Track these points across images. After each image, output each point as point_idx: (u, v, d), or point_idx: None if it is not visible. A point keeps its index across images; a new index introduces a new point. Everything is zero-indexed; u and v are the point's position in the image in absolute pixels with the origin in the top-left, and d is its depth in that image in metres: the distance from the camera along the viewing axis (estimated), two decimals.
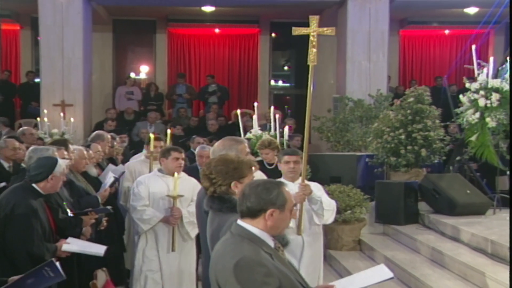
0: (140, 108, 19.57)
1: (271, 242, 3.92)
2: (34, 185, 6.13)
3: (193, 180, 8.11)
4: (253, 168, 5.05)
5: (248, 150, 6.16)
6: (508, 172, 11.34)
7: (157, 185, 8.05)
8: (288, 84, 22.20)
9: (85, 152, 8.50)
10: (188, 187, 8.06)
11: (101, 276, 5.65)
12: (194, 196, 7.44)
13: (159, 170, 8.19)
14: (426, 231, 10.55)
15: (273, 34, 21.29)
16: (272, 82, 21.77)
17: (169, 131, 9.56)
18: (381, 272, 4.46)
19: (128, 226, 9.57)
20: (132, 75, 20.96)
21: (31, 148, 7.54)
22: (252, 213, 3.83)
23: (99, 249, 6.41)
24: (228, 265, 3.68)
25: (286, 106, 21.63)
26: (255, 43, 20.95)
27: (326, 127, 16.29)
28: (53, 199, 6.35)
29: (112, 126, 16.30)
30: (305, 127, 7.17)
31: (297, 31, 7.33)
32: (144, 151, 10.14)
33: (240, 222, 3.88)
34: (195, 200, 6.71)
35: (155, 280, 8.07)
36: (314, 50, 7.08)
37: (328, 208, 7.01)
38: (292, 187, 6.45)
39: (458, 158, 12.46)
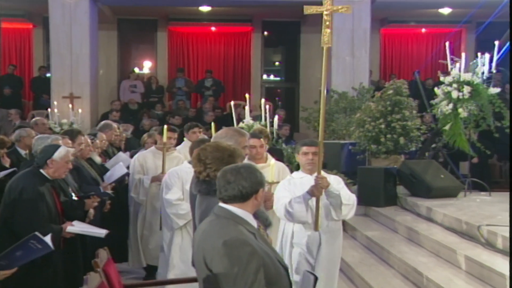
0: (143, 100, 19.58)
1: (254, 223, 3.90)
2: (41, 170, 6.06)
3: None
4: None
5: (246, 144, 6.04)
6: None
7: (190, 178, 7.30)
8: (278, 78, 22.13)
9: (89, 141, 8.42)
10: None
11: (103, 254, 5.54)
12: None
13: (190, 162, 6.96)
14: (404, 212, 10.51)
15: (265, 33, 21.23)
16: (264, 76, 21.70)
17: (165, 126, 8.73)
18: (308, 279, 4.30)
19: (132, 220, 9.28)
20: (136, 70, 21.06)
21: (36, 137, 7.52)
22: (245, 197, 3.80)
23: (100, 232, 6.34)
24: (216, 245, 3.65)
25: (276, 98, 21.56)
26: (248, 40, 20.92)
27: (313, 117, 16.25)
28: (57, 184, 6.28)
29: (117, 116, 16.26)
30: (320, 118, 6.29)
31: (309, 9, 6.39)
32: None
33: (223, 205, 3.81)
34: None
35: None
36: (328, 30, 6.14)
37: (348, 202, 6.18)
38: (310, 180, 6.13)
39: (433, 145, 12.42)
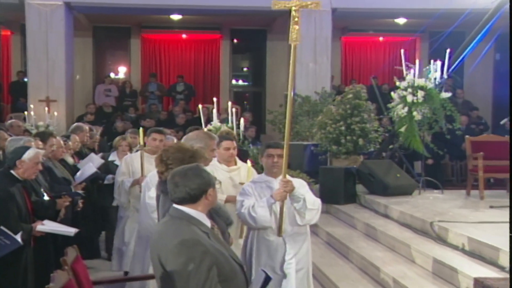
0: (117, 104, 19.38)
1: (207, 222, 3.83)
2: (12, 171, 5.91)
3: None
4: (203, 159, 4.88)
5: (215, 147, 5.93)
6: None
7: None
8: (246, 83, 22.06)
9: (61, 142, 8.27)
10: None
11: (72, 252, 5.40)
12: None
13: None
14: (362, 209, 10.51)
15: (235, 40, 21.19)
16: (234, 81, 21.63)
17: (141, 129, 8.06)
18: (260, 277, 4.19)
19: (118, 223, 8.66)
20: (112, 75, 20.79)
21: (9, 139, 7.37)
22: (194, 198, 3.73)
23: (69, 231, 6.20)
24: (170, 245, 3.59)
25: (245, 102, 21.52)
26: (217, 47, 20.82)
27: (278, 120, 16.22)
28: (28, 184, 6.13)
29: (91, 119, 16.37)
30: (286, 121, 5.70)
31: (277, 5, 5.70)
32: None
33: (176, 206, 3.74)
34: None
35: None
36: (297, 27, 5.57)
37: (312, 207, 5.59)
38: (275, 183, 5.60)
39: (390, 146, 12.45)
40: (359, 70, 20.87)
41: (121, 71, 21.24)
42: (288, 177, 5.60)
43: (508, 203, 9.07)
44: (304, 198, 5.52)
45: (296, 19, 5.56)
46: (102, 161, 9.35)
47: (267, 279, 3.86)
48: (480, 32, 12.70)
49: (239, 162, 6.91)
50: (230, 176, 6.70)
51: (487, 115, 18.78)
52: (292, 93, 5.85)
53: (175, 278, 3.54)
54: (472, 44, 13.01)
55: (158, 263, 3.65)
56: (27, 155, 5.92)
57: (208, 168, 5.95)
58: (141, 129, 8.14)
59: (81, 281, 5.43)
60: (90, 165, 8.54)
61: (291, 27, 5.59)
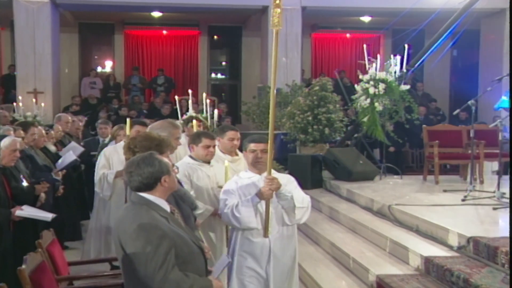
0: (102, 95, 19.21)
1: (167, 207, 3.76)
2: None
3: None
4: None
5: (179, 135, 5.82)
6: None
7: (200, 175, 5.75)
8: (223, 76, 21.92)
9: (43, 132, 8.16)
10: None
11: (47, 235, 5.33)
12: None
13: (191, 156, 5.88)
14: (328, 194, 10.51)
15: (215, 37, 21.13)
16: (213, 75, 21.52)
17: (128, 120, 7.19)
18: (223, 260, 4.10)
19: (96, 213, 8.07)
20: (99, 68, 20.69)
21: None
22: (148, 186, 3.66)
23: (47, 216, 6.10)
24: (129, 229, 3.53)
25: (223, 94, 21.42)
26: (196, 43, 20.69)
27: (252, 110, 16.13)
28: (8, 171, 6.03)
29: (76, 109, 16.37)
30: (269, 113, 4.87)
31: None
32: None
33: (139, 192, 3.66)
34: None
35: None
36: (278, 10, 4.71)
37: (301, 205, 4.90)
38: (260, 180, 4.92)
39: (355, 135, 12.44)
40: (328, 65, 20.81)
41: (106, 65, 21.07)
42: (274, 173, 4.93)
43: (459, 187, 9.14)
44: (291, 196, 4.82)
45: (277, 1, 4.70)
46: (82, 149, 9.25)
47: (228, 263, 3.84)
48: (446, 31, 12.77)
49: (240, 153, 6.19)
50: (232, 166, 6.11)
51: (444, 106, 18.87)
52: (275, 85, 4.82)
53: (134, 260, 3.49)
54: (437, 43, 13.07)
55: (119, 246, 3.59)
56: (3, 143, 5.83)
57: (213, 160, 5.87)
58: (128, 120, 7.30)
59: (56, 263, 5.37)
60: (70, 153, 8.44)
61: (272, 11, 4.76)
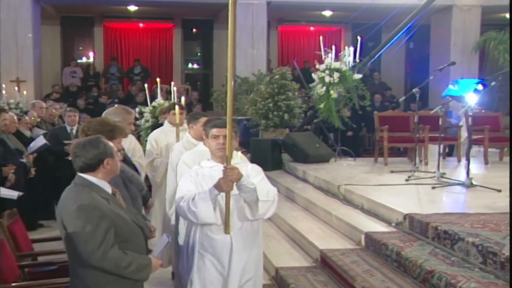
0: (82, 84, 19.01)
1: (108, 189, 3.66)
2: None
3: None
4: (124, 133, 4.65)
5: (132, 120, 5.68)
6: None
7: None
8: (196, 66, 21.74)
9: (14, 117, 8.01)
10: None
11: (10, 214, 5.22)
12: None
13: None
14: (286, 175, 10.46)
15: (194, 30, 20.95)
16: (189, 65, 21.35)
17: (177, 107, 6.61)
18: (163, 240, 3.81)
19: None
20: (84, 59, 20.48)
21: None
22: (91, 167, 3.57)
23: (12, 194, 5.98)
24: (70, 209, 3.44)
25: (198, 83, 21.28)
26: (170, 35, 20.50)
27: (221, 98, 16.01)
28: None
29: (56, 96, 16.25)
30: (227, 99, 4.11)
31: None
32: None
33: (80, 174, 3.58)
34: None
35: None
36: None
37: (266, 198, 4.06)
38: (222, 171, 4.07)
39: (315, 120, 12.40)
40: (293, 55, 20.66)
41: (86, 56, 20.79)
42: (238, 162, 4.29)
43: (406, 168, 9.14)
44: (254, 188, 4.00)
45: None
46: (43, 142, 8.90)
47: (167, 242, 3.77)
48: (406, 26, 12.82)
49: None
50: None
51: (400, 94, 18.90)
52: (232, 71, 4.34)
53: (75, 239, 3.42)
54: (397, 36, 13.12)
55: (61, 225, 3.52)
56: None
57: (184, 148, 5.34)
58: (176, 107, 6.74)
59: (17, 240, 5.26)
60: (41, 137, 8.29)
61: None
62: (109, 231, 3.41)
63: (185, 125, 6.59)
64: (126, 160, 5.06)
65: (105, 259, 3.38)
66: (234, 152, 4.39)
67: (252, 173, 4.23)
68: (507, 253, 4.43)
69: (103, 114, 5.41)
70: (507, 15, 17.65)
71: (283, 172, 10.78)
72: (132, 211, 3.94)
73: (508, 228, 5.29)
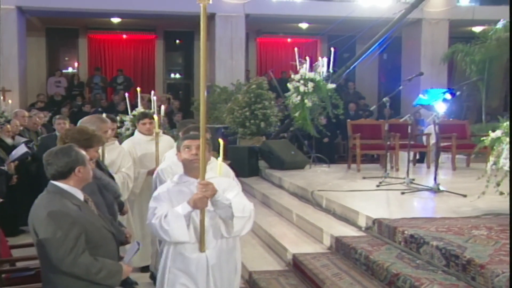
0: (67, 93, 18.78)
1: (80, 196, 3.60)
2: None
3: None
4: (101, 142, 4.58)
5: (107, 129, 5.52)
6: None
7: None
8: (178, 76, 21.65)
9: None
10: None
11: None
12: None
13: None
14: (262, 181, 10.44)
15: (177, 41, 20.88)
16: (172, 75, 21.27)
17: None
18: (133, 247, 3.69)
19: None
20: (69, 69, 20.24)
21: None
22: (63, 175, 3.51)
23: None
24: (41, 216, 3.39)
25: (180, 92, 21.18)
26: (152, 46, 20.38)
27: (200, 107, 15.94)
28: None
29: (41, 105, 16.07)
30: (201, 113, 3.80)
31: None
32: None
33: (53, 181, 3.52)
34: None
35: None
36: None
37: (242, 214, 3.73)
38: (196, 186, 3.75)
39: (291, 128, 12.39)
40: (271, 66, 20.58)
41: (71, 66, 20.62)
42: (213, 176, 3.86)
43: (378, 175, 9.15)
44: (229, 203, 3.67)
45: None
46: (24, 150, 8.78)
47: (137, 249, 3.69)
48: (380, 38, 12.93)
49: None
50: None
51: (374, 103, 18.96)
52: (205, 76, 3.89)
53: (46, 245, 3.37)
54: (372, 48, 13.22)
55: (33, 231, 3.46)
56: None
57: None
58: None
59: None
60: (22, 145, 8.16)
61: None
62: (79, 237, 3.35)
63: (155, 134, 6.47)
64: (102, 168, 5.00)
65: (75, 264, 3.33)
66: (214, 163, 4.20)
67: (228, 188, 3.87)
68: (469, 256, 4.44)
69: (78, 123, 5.34)
70: (474, 29, 17.86)
71: (260, 178, 10.75)
72: (107, 217, 3.90)
73: (471, 231, 5.31)
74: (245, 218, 3.79)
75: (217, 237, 3.82)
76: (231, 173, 4.57)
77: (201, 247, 3.77)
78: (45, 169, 3.55)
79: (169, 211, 3.68)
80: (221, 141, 4.64)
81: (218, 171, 4.13)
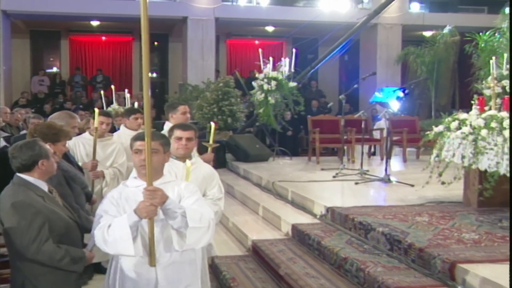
0: (49, 91, 18.51)
1: (44, 187, 3.51)
2: None
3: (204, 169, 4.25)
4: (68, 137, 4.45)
5: (76, 125, 5.37)
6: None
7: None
8: (154, 75, 21.38)
9: None
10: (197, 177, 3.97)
11: None
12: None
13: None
14: (229, 173, 10.36)
15: (155, 43, 20.45)
16: (149, 74, 20.92)
17: (96, 110, 5.60)
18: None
19: None
20: (54, 69, 19.91)
21: None
22: (27, 167, 3.43)
23: None
24: (6, 206, 3.31)
25: (156, 90, 20.92)
26: (130, 47, 20.13)
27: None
28: None
29: (23, 102, 15.87)
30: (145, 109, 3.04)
31: None
32: None
33: (18, 174, 3.42)
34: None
35: None
36: None
37: (198, 224, 3.04)
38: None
39: (257, 124, 12.31)
40: (240, 66, 20.53)
41: (53, 65, 20.26)
42: (168, 180, 3.24)
43: (335, 166, 9.15)
44: (183, 212, 3.01)
45: None
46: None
47: None
48: (344, 41, 12.95)
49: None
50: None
51: (335, 100, 19.04)
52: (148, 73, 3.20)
53: (11, 234, 3.29)
54: (336, 50, 13.22)
55: (0, 221, 3.38)
56: None
57: None
58: (96, 110, 5.67)
59: None
60: (1, 140, 7.92)
61: None
62: (43, 226, 3.27)
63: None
64: (71, 161, 4.89)
65: (39, 252, 3.25)
66: (187, 161, 3.64)
67: (186, 193, 3.19)
68: (410, 240, 4.44)
69: (49, 119, 5.21)
70: (424, 33, 18.03)
71: (227, 170, 10.66)
72: (74, 207, 3.84)
73: (414, 218, 5.32)
74: (203, 229, 3.06)
75: (171, 250, 3.12)
76: (215, 175, 4.31)
77: (151, 261, 3.08)
78: (11, 162, 3.47)
79: (114, 220, 3.04)
80: (212, 124, 4.67)
81: (186, 176, 3.57)
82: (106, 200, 3.24)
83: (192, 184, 3.36)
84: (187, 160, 3.70)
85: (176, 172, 3.83)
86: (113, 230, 3.01)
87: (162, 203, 2.97)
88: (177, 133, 3.91)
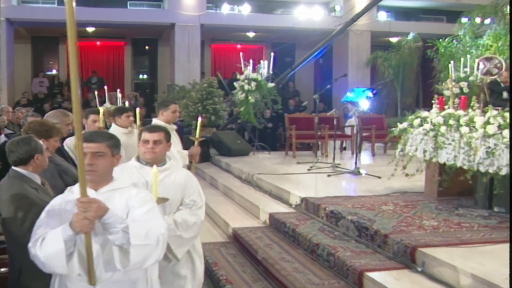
0: (49, 91, 18.25)
1: (38, 180, 3.44)
2: None
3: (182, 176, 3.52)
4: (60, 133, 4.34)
5: (70, 122, 5.24)
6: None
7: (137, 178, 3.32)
8: (145, 76, 21.20)
9: None
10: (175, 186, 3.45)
11: None
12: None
13: (138, 159, 3.44)
14: (213, 166, 10.27)
15: (146, 47, 20.27)
16: (140, 76, 20.76)
17: (101, 109, 5.48)
18: None
19: None
20: (53, 71, 19.56)
21: None
22: (23, 161, 3.36)
23: None
24: (4, 198, 3.24)
25: (147, 90, 20.73)
26: (122, 51, 19.85)
27: None
28: None
29: (24, 101, 15.67)
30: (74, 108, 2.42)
31: None
32: None
33: (14, 167, 3.37)
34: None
35: None
36: None
37: (142, 241, 2.34)
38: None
39: (239, 121, 12.25)
40: (224, 69, 20.42)
41: (52, 68, 19.94)
42: (118, 187, 2.56)
43: (310, 160, 9.12)
44: (124, 227, 2.35)
45: None
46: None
47: None
48: (322, 46, 12.94)
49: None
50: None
51: (310, 100, 19.05)
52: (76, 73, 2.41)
53: (8, 223, 3.23)
54: (315, 54, 13.20)
55: None
56: None
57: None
58: (101, 109, 5.50)
59: None
60: (2, 136, 7.80)
61: None
62: (38, 216, 3.20)
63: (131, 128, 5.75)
64: (65, 155, 4.78)
65: None
66: (154, 167, 3.08)
67: (135, 203, 2.49)
68: (376, 227, 4.42)
69: (45, 117, 5.10)
70: (390, 39, 18.08)
71: (211, 164, 10.58)
72: None
73: (380, 207, 5.31)
74: (149, 246, 2.37)
75: (112, 269, 2.43)
76: (193, 181, 3.60)
77: (90, 280, 2.42)
78: (7, 156, 3.40)
79: (48, 234, 2.42)
80: (199, 119, 4.53)
81: (153, 183, 2.96)
82: (46, 209, 2.61)
83: (145, 192, 2.67)
84: (154, 166, 3.13)
85: (147, 180, 3.27)
86: (46, 245, 2.40)
87: (100, 216, 2.32)
88: (144, 135, 3.34)
